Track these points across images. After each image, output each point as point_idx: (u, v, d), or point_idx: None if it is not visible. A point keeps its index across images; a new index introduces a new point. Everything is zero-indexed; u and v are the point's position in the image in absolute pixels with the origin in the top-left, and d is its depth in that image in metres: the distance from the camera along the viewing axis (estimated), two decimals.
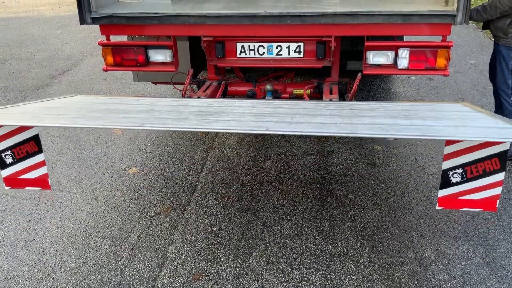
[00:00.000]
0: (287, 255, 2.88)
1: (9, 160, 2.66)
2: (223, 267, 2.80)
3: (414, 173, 3.71)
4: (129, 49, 3.76)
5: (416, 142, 4.18)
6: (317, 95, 4.00)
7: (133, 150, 4.24)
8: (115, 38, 3.74)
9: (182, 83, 4.03)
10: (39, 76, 6.34)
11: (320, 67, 3.73)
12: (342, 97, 3.99)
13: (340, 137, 4.31)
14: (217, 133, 4.51)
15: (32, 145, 2.65)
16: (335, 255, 2.86)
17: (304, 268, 2.76)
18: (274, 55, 3.75)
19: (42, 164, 2.68)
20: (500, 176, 2.20)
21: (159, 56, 3.79)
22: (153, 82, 4.82)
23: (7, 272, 2.82)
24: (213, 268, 2.79)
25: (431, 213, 3.22)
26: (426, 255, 2.84)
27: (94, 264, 2.87)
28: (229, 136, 4.46)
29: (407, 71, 3.50)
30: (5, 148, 2.63)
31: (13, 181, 2.73)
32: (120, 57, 3.80)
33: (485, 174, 2.25)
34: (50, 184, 2.72)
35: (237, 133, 4.43)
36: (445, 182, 2.31)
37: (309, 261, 2.82)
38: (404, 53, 3.44)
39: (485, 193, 2.28)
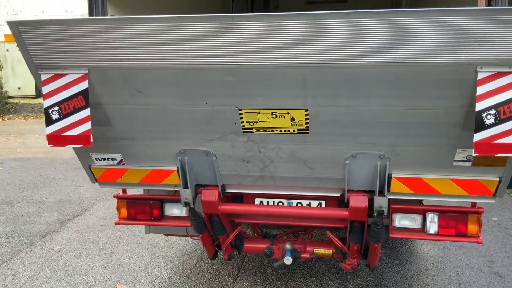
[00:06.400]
0: None
1: (55, 116, 2.72)
2: None
3: None
4: (144, 202, 3.65)
5: None
6: (339, 256, 3.76)
7: None
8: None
9: (197, 236, 3.83)
10: (48, 221, 6.18)
11: (342, 227, 3.55)
12: (365, 257, 3.74)
13: None
14: None
15: (80, 100, 2.69)
16: None
17: None
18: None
19: (87, 119, 2.71)
20: None
21: (175, 210, 3.67)
22: (165, 234, 4.63)
23: None
24: None
25: None
26: None
27: None
28: None
29: (437, 236, 3.29)
30: (53, 103, 2.71)
31: (56, 139, 2.76)
32: (135, 210, 3.67)
33: None
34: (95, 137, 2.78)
35: None
36: (480, 125, 2.31)
37: None
38: (432, 218, 3.26)
39: None
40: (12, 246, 5.31)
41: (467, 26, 2.23)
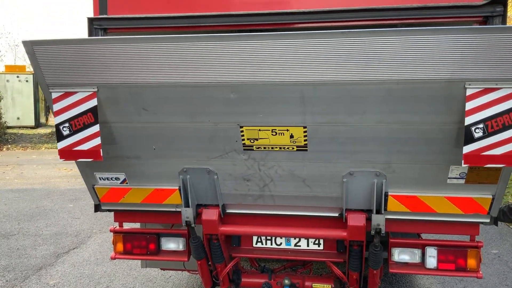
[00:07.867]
0: None
1: (66, 132, 2.81)
2: None
3: None
4: (141, 236, 3.62)
5: None
6: None
7: None
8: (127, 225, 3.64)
9: (195, 270, 3.78)
10: (43, 254, 6.11)
11: (341, 261, 3.52)
12: None
13: None
14: None
15: (89, 117, 2.78)
16: None
17: None
18: (292, 246, 3.59)
19: (96, 135, 2.80)
20: None
21: (171, 244, 3.65)
22: (161, 269, 4.57)
23: None
24: None
25: None
26: None
27: None
28: None
29: (437, 271, 3.26)
30: (63, 120, 2.80)
31: (67, 153, 2.84)
32: (131, 245, 3.64)
33: (505, 128, 2.39)
34: (102, 154, 2.82)
35: None
36: (469, 138, 2.41)
37: None
38: (431, 252, 3.25)
39: (506, 148, 2.40)
40: (7, 280, 5.22)
41: (456, 45, 2.33)
